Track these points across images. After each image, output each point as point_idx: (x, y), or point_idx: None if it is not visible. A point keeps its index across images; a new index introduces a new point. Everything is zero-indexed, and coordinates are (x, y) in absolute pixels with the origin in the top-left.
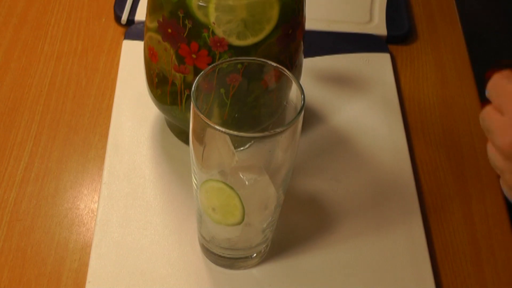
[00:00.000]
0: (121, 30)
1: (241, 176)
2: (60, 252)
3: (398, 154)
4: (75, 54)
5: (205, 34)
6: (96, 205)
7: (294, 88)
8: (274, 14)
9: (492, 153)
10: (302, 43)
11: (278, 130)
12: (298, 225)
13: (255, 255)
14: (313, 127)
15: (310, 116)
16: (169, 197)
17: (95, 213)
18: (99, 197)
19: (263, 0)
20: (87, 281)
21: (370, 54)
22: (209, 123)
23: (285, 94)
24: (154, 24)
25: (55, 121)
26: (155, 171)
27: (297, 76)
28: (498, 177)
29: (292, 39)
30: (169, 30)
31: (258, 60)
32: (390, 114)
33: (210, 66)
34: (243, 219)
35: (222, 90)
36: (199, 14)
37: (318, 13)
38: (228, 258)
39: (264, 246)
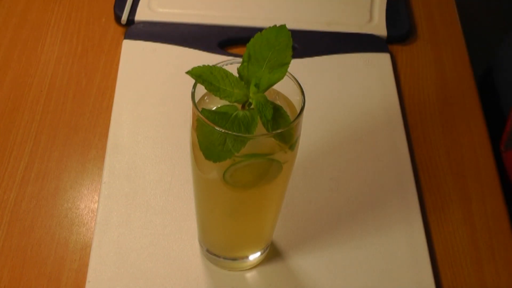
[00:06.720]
0: (121, 30)
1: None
2: (60, 252)
3: (398, 154)
4: (75, 54)
5: None
6: (96, 205)
7: (294, 88)
8: None
9: None
10: None
11: (278, 130)
12: (298, 225)
13: (255, 255)
14: (313, 127)
15: (310, 116)
16: (169, 197)
17: (95, 213)
18: (99, 197)
19: None
20: (87, 281)
21: (370, 54)
22: (209, 123)
23: None
24: None
25: (55, 121)
26: (155, 171)
27: None
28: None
29: None
30: None
31: None
32: (390, 114)
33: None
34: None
35: None
36: None
37: (318, 13)
38: (227, 258)
39: (264, 246)
